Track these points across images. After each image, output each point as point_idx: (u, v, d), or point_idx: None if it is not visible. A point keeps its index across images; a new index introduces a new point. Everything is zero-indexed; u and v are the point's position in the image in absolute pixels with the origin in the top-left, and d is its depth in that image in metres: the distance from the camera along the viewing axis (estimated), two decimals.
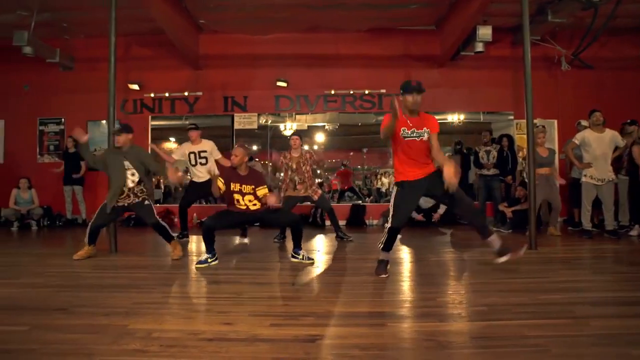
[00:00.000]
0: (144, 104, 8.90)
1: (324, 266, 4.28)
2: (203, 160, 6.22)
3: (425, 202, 8.05)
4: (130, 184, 4.78)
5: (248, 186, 4.37)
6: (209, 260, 4.26)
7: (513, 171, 8.18)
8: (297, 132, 6.48)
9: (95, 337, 2.28)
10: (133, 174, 4.80)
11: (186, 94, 8.81)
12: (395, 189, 3.76)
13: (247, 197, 4.38)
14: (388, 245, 3.81)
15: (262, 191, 4.38)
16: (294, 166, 6.06)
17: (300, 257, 4.43)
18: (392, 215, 3.72)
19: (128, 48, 8.72)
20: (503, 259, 3.73)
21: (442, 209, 8.01)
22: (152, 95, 8.82)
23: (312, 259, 4.43)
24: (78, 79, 8.81)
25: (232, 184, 4.37)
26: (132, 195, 4.80)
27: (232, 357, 2.07)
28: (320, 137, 12.35)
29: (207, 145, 6.31)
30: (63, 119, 9.00)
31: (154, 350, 2.12)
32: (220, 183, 4.32)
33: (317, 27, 8.54)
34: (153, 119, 8.97)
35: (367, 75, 8.81)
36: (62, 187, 8.42)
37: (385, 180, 14.46)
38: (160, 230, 4.84)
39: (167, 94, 8.81)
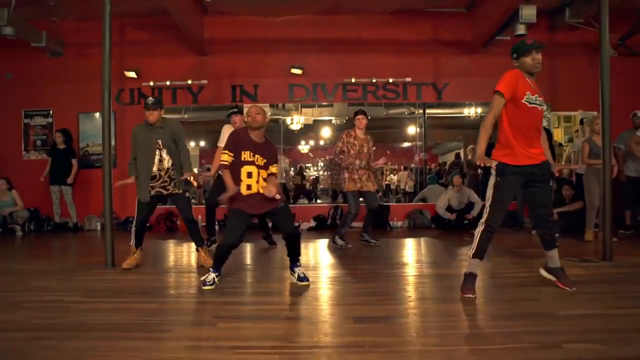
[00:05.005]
0: (142, 94, 7.96)
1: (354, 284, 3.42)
2: None
3: (459, 203, 7.23)
4: (166, 165, 4.15)
5: (261, 158, 3.41)
6: (216, 279, 3.45)
7: None
8: (362, 111, 5.54)
9: None
10: (167, 154, 4.14)
11: (189, 82, 7.88)
12: (494, 172, 3.04)
13: (261, 173, 3.43)
14: (481, 251, 3.07)
15: (274, 168, 3.50)
16: (358, 148, 5.33)
17: (295, 275, 3.57)
18: (490, 209, 3.04)
19: (124, 31, 7.79)
20: (547, 275, 3.31)
21: (475, 210, 7.18)
22: (152, 84, 7.87)
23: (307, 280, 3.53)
24: (68, 66, 7.87)
25: (243, 152, 3.37)
26: (168, 180, 4.14)
27: None
28: (326, 132, 11.54)
29: None
30: (51, 111, 8.04)
31: None
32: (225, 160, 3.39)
33: (337, 8, 7.65)
34: None
35: (391, 62, 7.95)
36: (49, 187, 7.48)
37: (394, 177, 13.65)
38: (194, 229, 4.28)
39: (168, 83, 7.88)
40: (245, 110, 3.46)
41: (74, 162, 7.54)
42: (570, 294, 3.08)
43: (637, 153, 5.73)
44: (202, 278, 3.45)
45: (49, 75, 7.92)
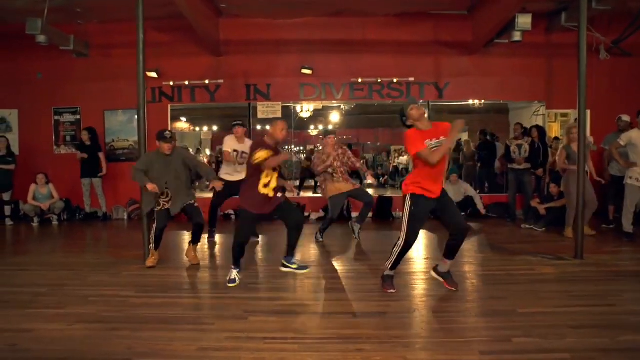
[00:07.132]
0: (163, 93, 8.55)
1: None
2: (242, 161, 5.97)
3: (455, 196, 7.85)
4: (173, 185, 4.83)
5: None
6: (238, 275, 4.13)
7: (544, 164, 7.98)
8: (332, 131, 6.18)
9: None
10: (177, 177, 4.82)
11: (207, 82, 8.44)
12: (409, 201, 3.64)
13: (274, 177, 4.00)
14: (396, 264, 3.80)
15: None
16: (332, 159, 5.92)
17: (295, 266, 4.23)
18: (407, 233, 3.62)
19: (145, 33, 8.28)
20: (436, 277, 3.94)
21: (479, 204, 7.84)
22: (172, 83, 8.46)
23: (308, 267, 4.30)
24: (93, 66, 8.44)
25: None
26: (174, 197, 4.83)
27: None
28: (335, 117, 12.18)
29: (248, 145, 6.00)
30: (79, 108, 8.67)
31: None
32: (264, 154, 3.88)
33: (343, 11, 8.10)
34: (173, 108, 8.66)
35: (395, 63, 8.42)
36: (80, 180, 8.19)
37: (403, 158, 14.38)
38: (199, 231, 4.99)
39: (186, 82, 8.45)
40: (278, 126, 4.01)
41: (101, 155, 8.23)
42: (532, 292, 3.73)
43: (616, 158, 6.19)
44: (227, 277, 4.11)
45: (75, 74, 8.50)
